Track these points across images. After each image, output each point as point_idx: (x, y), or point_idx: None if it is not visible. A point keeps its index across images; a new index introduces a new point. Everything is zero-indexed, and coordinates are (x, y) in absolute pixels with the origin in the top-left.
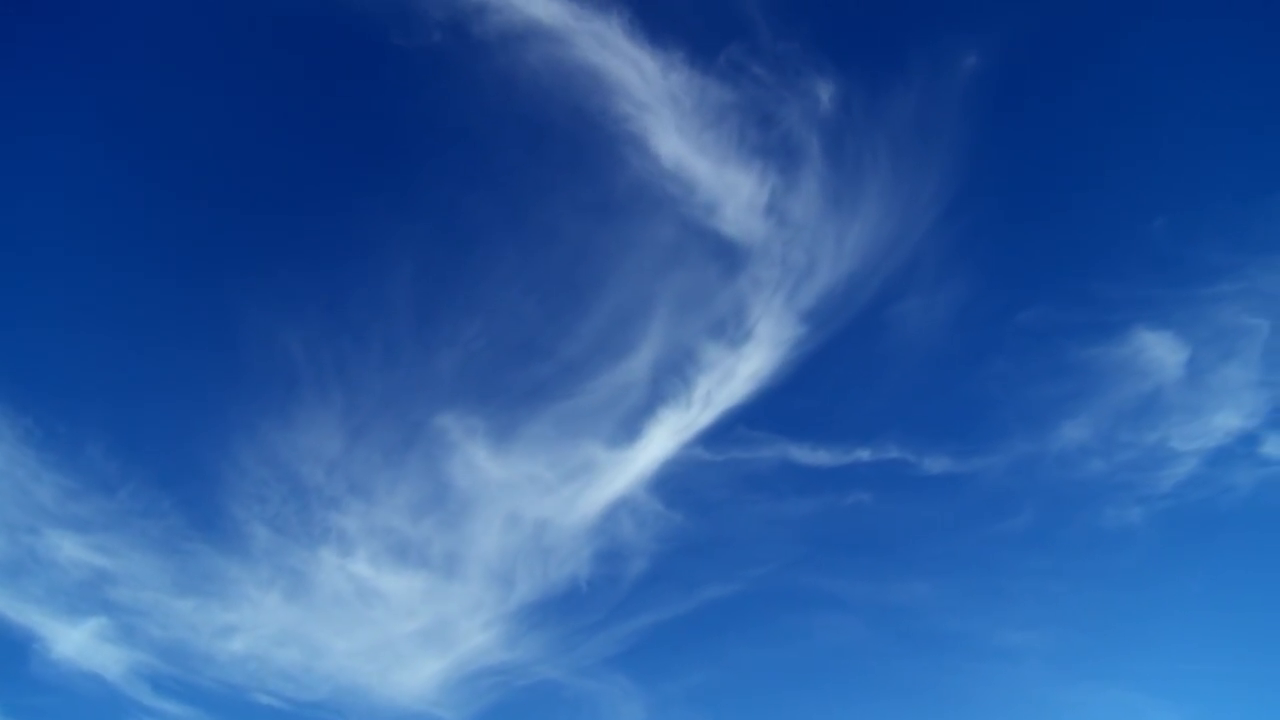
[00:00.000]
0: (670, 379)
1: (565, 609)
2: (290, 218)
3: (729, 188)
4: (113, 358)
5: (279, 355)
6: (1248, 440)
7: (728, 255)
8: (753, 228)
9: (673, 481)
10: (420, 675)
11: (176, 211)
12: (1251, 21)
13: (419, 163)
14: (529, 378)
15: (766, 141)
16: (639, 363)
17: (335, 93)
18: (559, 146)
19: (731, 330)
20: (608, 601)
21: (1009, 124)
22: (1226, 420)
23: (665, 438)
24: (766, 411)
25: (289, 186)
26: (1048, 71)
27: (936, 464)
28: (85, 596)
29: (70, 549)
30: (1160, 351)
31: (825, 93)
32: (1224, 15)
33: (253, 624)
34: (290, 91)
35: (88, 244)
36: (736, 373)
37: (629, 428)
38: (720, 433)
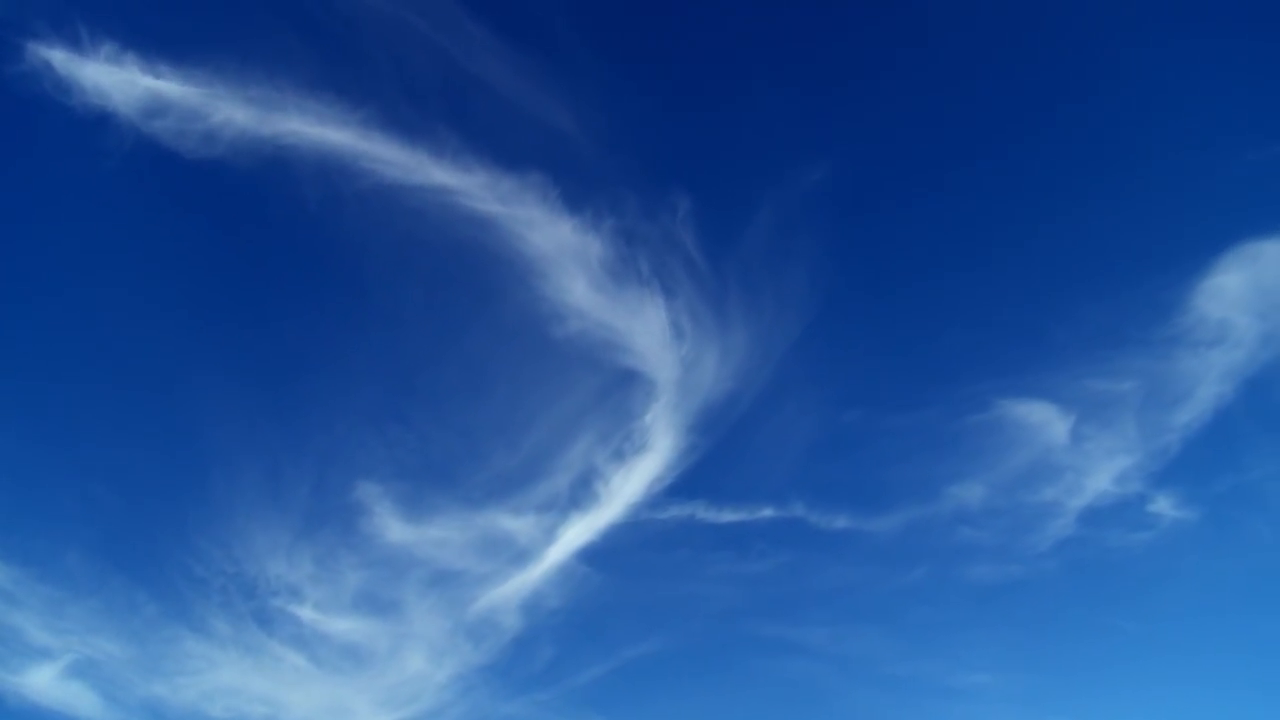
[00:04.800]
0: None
1: (508, 670)
2: (246, 349)
3: (622, 323)
4: (83, 473)
5: (236, 465)
6: (1136, 499)
7: (630, 383)
8: (650, 358)
9: (604, 551)
10: None
11: (140, 345)
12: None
13: (360, 300)
14: (464, 486)
15: (648, 281)
16: (557, 470)
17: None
18: (472, 291)
19: (636, 440)
20: (541, 663)
21: (860, 230)
22: (1105, 482)
23: (589, 521)
24: (682, 488)
25: (242, 321)
26: (887, 183)
27: (839, 522)
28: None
29: (55, 641)
30: (1041, 419)
31: (687, 231)
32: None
33: (225, 690)
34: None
35: (57, 367)
36: (641, 468)
37: (555, 518)
38: (643, 506)
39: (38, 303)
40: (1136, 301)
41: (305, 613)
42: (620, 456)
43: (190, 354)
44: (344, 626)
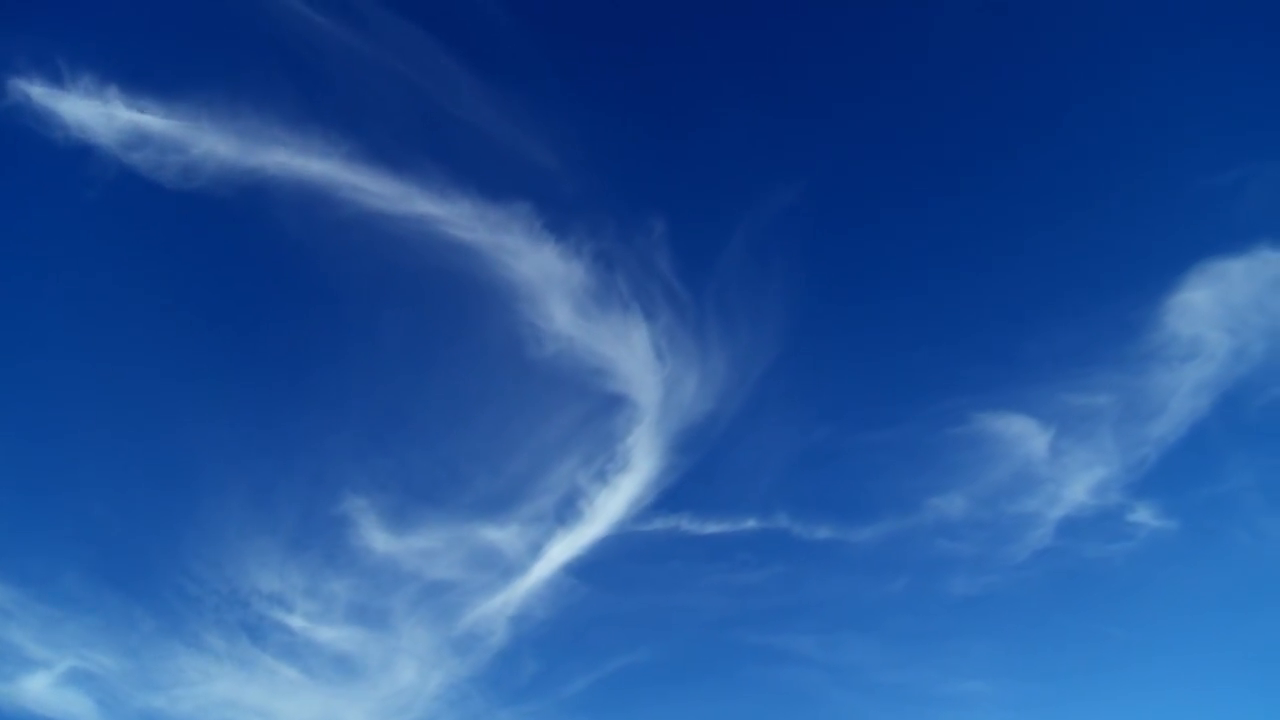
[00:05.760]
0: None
1: (499, 680)
2: (236, 374)
3: (604, 346)
4: (80, 496)
5: (227, 487)
6: (1115, 509)
7: (612, 404)
8: (632, 379)
9: (591, 564)
10: None
11: (132, 371)
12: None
13: (349, 328)
14: (450, 506)
15: (629, 305)
16: (542, 492)
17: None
18: (456, 317)
19: (619, 460)
20: (530, 673)
21: (835, 249)
22: (1085, 493)
23: (575, 537)
24: (666, 502)
25: (231, 347)
26: (861, 203)
27: (822, 532)
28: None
29: (53, 655)
30: (1019, 432)
31: (666, 255)
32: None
33: (220, 702)
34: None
35: (52, 393)
36: (625, 486)
37: (541, 535)
38: (628, 521)
39: (33, 329)
40: (1108, 319)
41: (297, 627)
42: (603, 477)
43: (181, 378)
44: (336, 641)
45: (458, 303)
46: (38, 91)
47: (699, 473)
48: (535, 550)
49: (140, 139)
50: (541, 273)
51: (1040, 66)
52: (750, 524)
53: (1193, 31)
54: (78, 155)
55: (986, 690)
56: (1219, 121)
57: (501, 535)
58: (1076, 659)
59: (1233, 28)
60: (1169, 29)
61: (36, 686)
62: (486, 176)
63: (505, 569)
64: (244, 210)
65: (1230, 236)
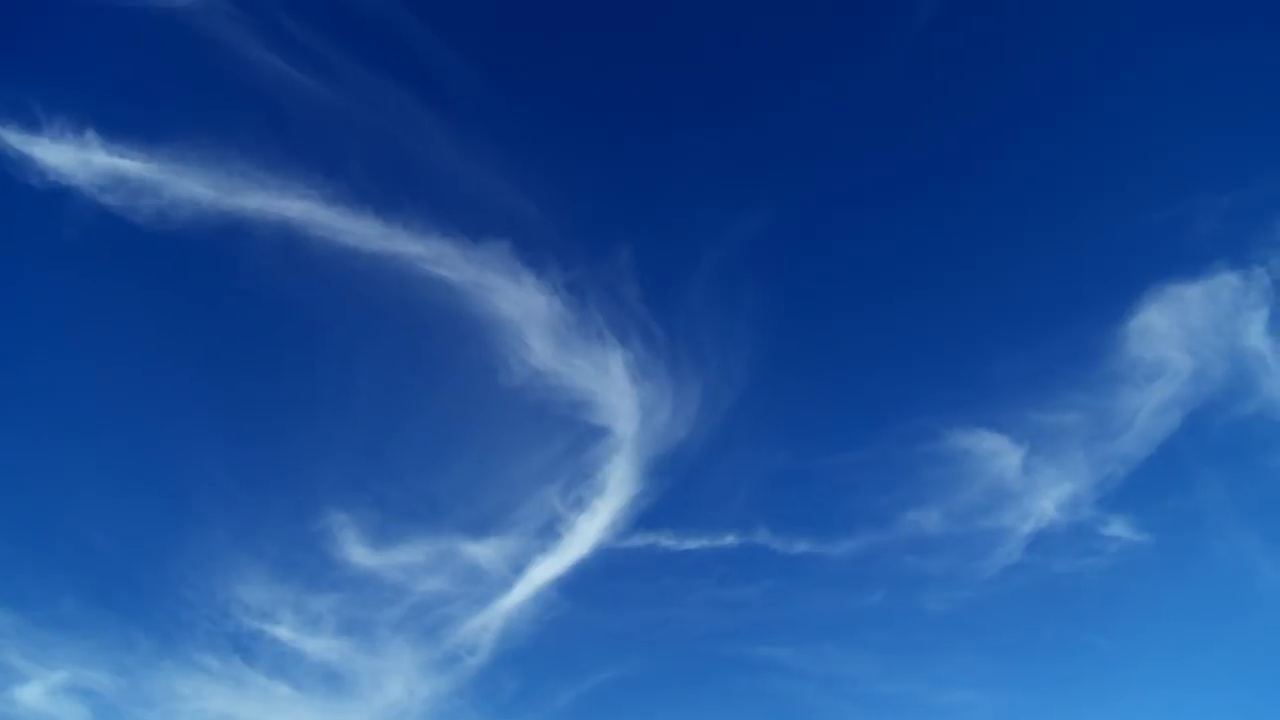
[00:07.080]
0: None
1: (489, 694)
2: (227, 402)
3: (580, 375)
4: (72, 521)
5: (219, 516)
6: (1090, 523)
7: (590, 430)
8: (609, 407)
9: (574, 581)
10: None
11: (123, 399)
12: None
13: (333, 366)
14: (434, 528)
15: (604, 334)
16: (524, 517)
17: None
18: (433, 356)
19: (598, 484)
20: (516, 688)
21: (803, 274)
22: (1062, 508)
23: (559, 555)
24: (647, 520)
25: (222, 375)
26: (824, 228)
27: (801, 546)
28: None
29: (50, 673)
30: (991, 449)
31: (638, 286)
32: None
33: (216, 717)
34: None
35: (45, 426)
36: (605, 508)
37: (523, 556)
38: (611, 539)
39: (20, 362)
40: (1074, 341)
41: (287, 645)
42: (582, 503)
43: (169, 409)
44: (325, 656)
45: (438, 337)
46: (13, 137)
47: (677, 495)
48: (518, 569)
49: (117, 182)
50: (519, 307)
51: (1007, 94)
52: (730, 539)
53: (1157, 58)
54: (54, 198)
55: (977, 700)
56: (1173, 152)
57: (484, 553)
58: (1062, 669)
59: (1198, 53)
60: (1134, 55)
61: (31, 696)
62: (462, 215)
63: (489, 586)
64: (227, 249)
65: (1186, 261)
